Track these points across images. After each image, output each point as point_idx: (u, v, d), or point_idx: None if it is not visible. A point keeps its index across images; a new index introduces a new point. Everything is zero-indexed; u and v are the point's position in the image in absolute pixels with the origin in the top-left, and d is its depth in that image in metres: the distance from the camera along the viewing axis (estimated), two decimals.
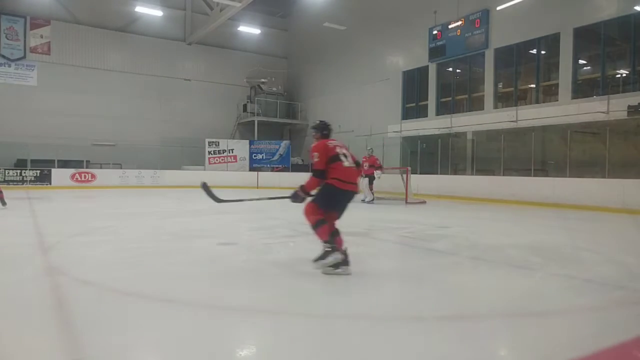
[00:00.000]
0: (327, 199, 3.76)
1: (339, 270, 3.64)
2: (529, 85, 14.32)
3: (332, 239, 3.68)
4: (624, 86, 11.84)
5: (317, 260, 3.74)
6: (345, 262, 3.65)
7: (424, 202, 12.07)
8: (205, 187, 4.59)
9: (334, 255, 3.63)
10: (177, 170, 19.86)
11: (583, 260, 4.86)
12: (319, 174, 3.76)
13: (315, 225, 3.69)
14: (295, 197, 3.86)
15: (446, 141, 15.64)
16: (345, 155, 3.86)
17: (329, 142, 3.90)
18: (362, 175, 12.13)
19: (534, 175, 12.47)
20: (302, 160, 23.38)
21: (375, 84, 19.47)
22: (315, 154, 3.79)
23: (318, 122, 4.13)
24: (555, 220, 8.89)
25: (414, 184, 12.72)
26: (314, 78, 23.86)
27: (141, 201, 11.94)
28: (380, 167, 11.99)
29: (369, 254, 5.12)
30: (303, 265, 4.31)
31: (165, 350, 2.31)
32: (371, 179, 11.97)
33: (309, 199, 3.85)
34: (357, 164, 4.02)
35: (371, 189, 12.06)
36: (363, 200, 12.08)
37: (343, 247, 3.72)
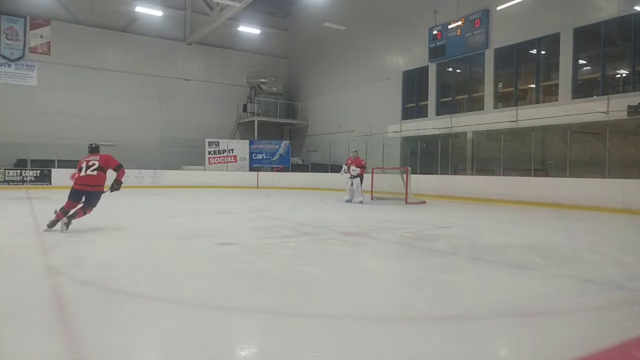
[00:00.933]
0: (69, 195, 6.07)
1: (49, 229, 5.82)
2: (529, 85, 14.32)
3: (56, 221, 5.86)
4: (624, 86, 11.85)
5: (49, 225, 5.87)
6: (52, 224, 5.88)
7: (424, 202, 12.07)
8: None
9: (57, 223, 5.90)
10: (177, 171, 19.85)
11: (583, 260, 4.85)
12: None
13: (59, 210, 5.92)
14: None
15: (446, 141, 15.63)
16: (87, 168, 6.05)
17: (84, 159, 6.19)
18: (350, 176, 12.04)
19: (534, 175, 12.46)
20: (302, 160, 23.38)
21: (375, 84, 19.46)
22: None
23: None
24: (555, 220, 8.89)
25: (414, 184, 12.72)
26: (314, 78, 23.85)
27: (141, 201, 11.93)
28: (363, 167, 11.94)
29: (369, 254, 5.13)
30: (303, 265, 4.31)
31: (165, 350, 2.31)
32: (360, 179, 11.93)
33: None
34: (117, 172, 6.47)
35: (361, 189, 11.99)
36: (347, 201, 12.01)
37: (59, 218, 5.87)
